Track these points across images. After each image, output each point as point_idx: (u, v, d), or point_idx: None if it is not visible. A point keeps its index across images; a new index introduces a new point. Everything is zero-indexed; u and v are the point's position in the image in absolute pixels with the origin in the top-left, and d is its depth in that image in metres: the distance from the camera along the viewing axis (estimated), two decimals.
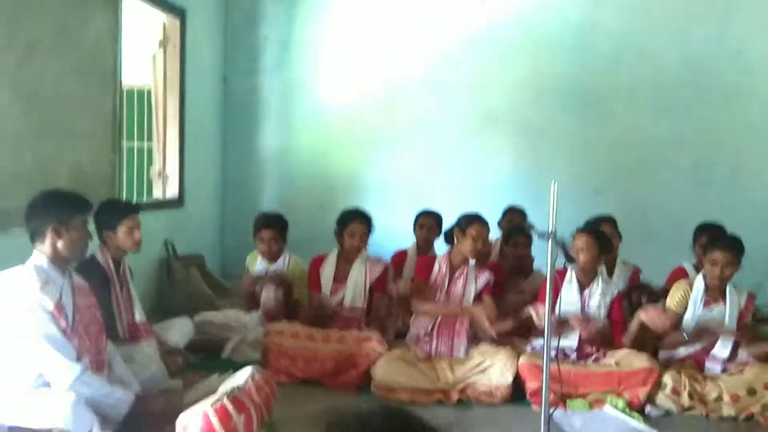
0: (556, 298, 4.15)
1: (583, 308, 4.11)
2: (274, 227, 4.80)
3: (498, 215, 5.75)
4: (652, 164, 6.60)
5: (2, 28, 3.90)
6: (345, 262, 4.55)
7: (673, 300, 4.15)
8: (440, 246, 5.27)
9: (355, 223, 4.51)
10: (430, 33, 6.81)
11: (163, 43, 6.11)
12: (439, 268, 4.35)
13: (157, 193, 6.20)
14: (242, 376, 3.18)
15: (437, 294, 4.32)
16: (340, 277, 4.53)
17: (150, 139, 6.45)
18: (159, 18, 6.04)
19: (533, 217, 5.55)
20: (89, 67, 4.72)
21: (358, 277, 4.51)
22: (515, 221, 5.54)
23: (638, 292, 4.93)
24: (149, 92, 6.33)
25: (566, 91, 6.66)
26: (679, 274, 4.73)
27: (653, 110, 6.58)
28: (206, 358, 4.43)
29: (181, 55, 6.16)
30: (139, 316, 3.93)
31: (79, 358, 2.92)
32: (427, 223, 5.37)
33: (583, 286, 4.15)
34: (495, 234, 5.53)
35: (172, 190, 6.23)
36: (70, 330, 2.95)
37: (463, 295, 4.28)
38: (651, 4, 6.52)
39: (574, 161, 6.65)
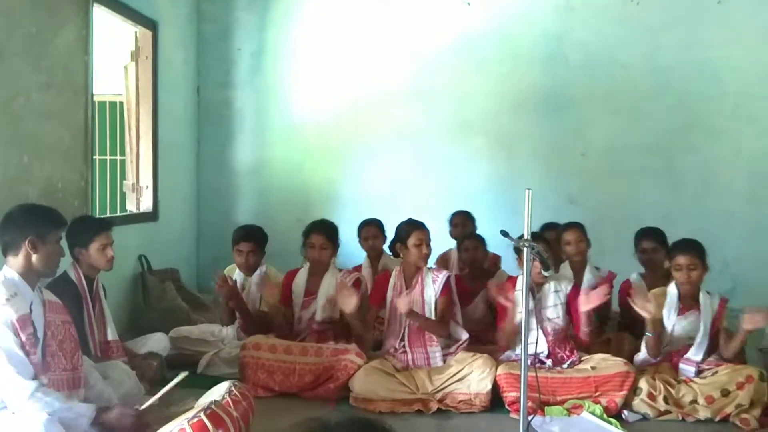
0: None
1: (538, 312, 4.11)
2: (252, 240, 4.75)
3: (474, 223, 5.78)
4: (625, 171, 6.67)
5: None
6: (315, 276, 4.51)
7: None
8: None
9: (314, 235, 4.46)
10: (406, 43, 6.84)
11: (135, 55, 6.06)
12: (394, 284, 4.31)
13: (131, 207, 6.13)
14: (220, 391, 3.14)
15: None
16: (312, 290, 4.50)
17: (122, 151, 6.38)
18: (131, 29, 5.99)
19: (509, 225, 5.56)
20: (60, 79, 4.66)
21: (329, 289, 4.45)
22: (461, 225, 5.59)
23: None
24: (121, 104, 6.27)
25: (541, 100, 6.73)
26: (626, 287, 4.73)
27: (626, 118, 6.67)
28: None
29: (154, 66, 6.11)
30: (111, 334, 3.89)
31: (36, 376, 2.86)
32: (370, 233, 5.36)
33: (534, 291, 4.12)
34: (448, 244, 5.56)
35: (146, 204, 6.16)
36: (40, 345, 2.90)
37: (424, 301, 4.23)
38: (622, 15, 6.62)
39: (548, 169, 6.71)
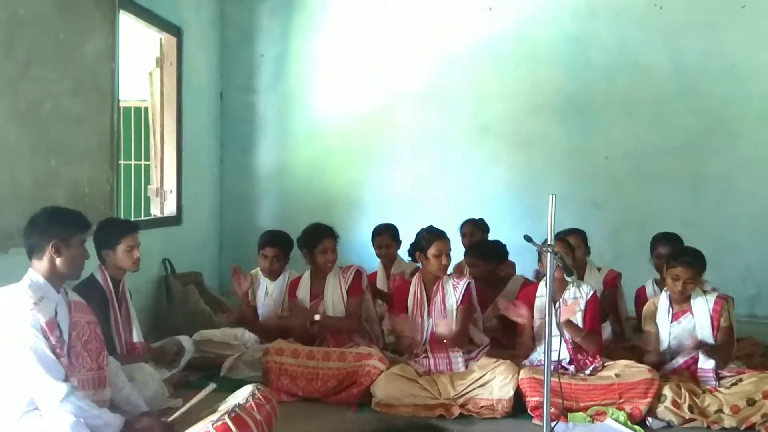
0: (531, 310, 4.14)
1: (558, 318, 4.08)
2: (277, 245, 4.80)
3: (494, 228, 5.73)
4: (647, 175, 6.62)
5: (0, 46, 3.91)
6: (318, 279, 4.54)
7: (645, 321, 4.18)
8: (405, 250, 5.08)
9: (327, 240, 4.48)
10: (426, 47, 6.85)
11: (160, 61, 6.14)
12: (414, 292, 4.30)
13: (155, 211, 6.20)
14: (243, 394, 3.16)
15: (420, 316, 4.24)
16: (317, 293, 4.52)
17: (147, 156, 6.46)
18: (156, 36, 6.07)
19: (530, 230, 5.52)
20: (87, 85, 4.74)
21: (334, 288, 4.50)
22: (470, 235, 5.44)
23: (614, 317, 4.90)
24: (146, 110, 6.35)
25: (562, 103, 6.70)
26: (640, 294, 4.73)
27: (648, 121, 6.62)
28: (205, 376, 4.41)
29: (178, 72, 6.19)
30: (136, 335, 3.94)
31: (67, 378, 2.90)
32: (383, 242, 5.32)
33: (555, 298, 4.10)
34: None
35: (170, 208, 6.23)
36: (65, 347, 2.95)
37: (445, 309, 4.21)
38: (645, 18, 6.57)
39: (570, 173, 6.66)
